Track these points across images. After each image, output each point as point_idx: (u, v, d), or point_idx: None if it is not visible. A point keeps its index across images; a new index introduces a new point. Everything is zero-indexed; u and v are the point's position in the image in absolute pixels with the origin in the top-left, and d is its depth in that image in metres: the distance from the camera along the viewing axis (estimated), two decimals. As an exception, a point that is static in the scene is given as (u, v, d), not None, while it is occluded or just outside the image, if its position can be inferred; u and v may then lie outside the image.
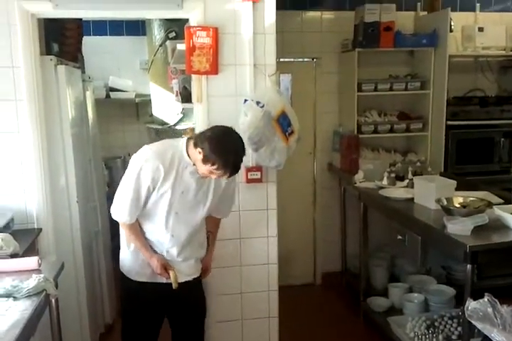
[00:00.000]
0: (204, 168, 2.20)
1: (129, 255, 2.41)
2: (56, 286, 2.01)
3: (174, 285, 2.32)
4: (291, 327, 3.45)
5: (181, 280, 2.36)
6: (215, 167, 2.15)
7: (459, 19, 4.26)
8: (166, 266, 2.34)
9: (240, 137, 2.27)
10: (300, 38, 4.26)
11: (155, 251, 2.36)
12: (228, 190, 2.49)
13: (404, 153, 4.41)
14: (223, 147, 2.16)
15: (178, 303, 2.46)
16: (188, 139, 2.29)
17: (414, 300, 3.56)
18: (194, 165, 2.25)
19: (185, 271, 2.42)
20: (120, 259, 2.47)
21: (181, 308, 2.50)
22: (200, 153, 2.18)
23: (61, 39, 3.38)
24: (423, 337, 3.17)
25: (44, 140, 2.72)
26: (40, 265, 2.10)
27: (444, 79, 4.05)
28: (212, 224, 2.59)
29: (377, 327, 3.56)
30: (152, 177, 2.23)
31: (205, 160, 2.16)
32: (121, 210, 2.31)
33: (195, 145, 2.20)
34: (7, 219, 2.50)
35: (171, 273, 2.33)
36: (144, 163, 2.24)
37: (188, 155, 2.26)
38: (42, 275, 1.94)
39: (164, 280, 2.37)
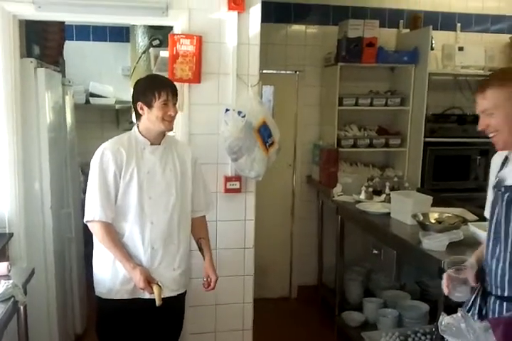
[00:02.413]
0: (157, 111, 2.24)
1: (107, 272, 2.29)
2: (25, 293, 1.96)
3: (158, 302, 2.16)
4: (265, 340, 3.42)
5: (165, 295, 2.23)
6: (159, 96, 2.23)
7: (440, 38, 4.36)
8: (149, 280, 2.20)
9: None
10: (284, 51, 4.30)
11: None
12: (197, 172, 2.47)
13: (382, 168, 4.45)
14: (146, 82, 2.34)
15: (159, 320, 2.34)
16: (137, 124, 2.35)
17: (388, 316, 3.55)
18: (151, 144, 2.31)
19: (169, 285, 2.31)
20: (96, 282, 2.34)
21: (161, 325, 2.37)
22: (141, 108, 2.27)
23: (42, 42, 3.34)
24: (396, 352, 3.16)
25: (20, 143, 2.67)
26: (9, 271, 2.06)
27: (424, 96, 4.12)
28: (199, 228, 2.51)
29: (351, 342, 3.54)
30: (115, 162, 2.23)
31: (148, 103, 2.25)
32: (93, 207, 2.23)
33: (135, 107, 2.29)
34: (-23, 222, 2.44)
35: (155, 288, 2.17)
36: (103, 152, 2.25)
37: (142, 135, 2.31)
38: (11, 282, 1.89)
39: (147, 296, 2.25)
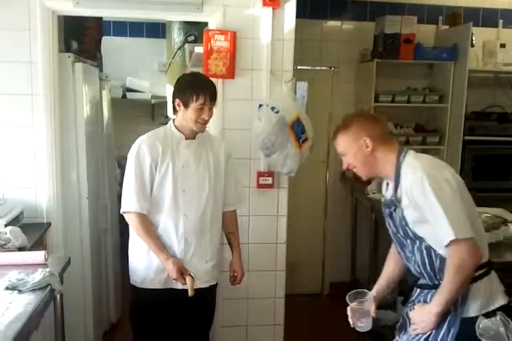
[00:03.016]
0: (192, 113, 2.26)
1: (142, 262, 2.34)
2: (61, 282, 2.00)
3: (190, 293, 2.19)
4: (296, 336, 3.40)
5: (197, 286, 2.25)
6: (196, 99, 2.23)
7: (480, 34, 4.24)
8: (182, 271, 2.23)
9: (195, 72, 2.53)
10: (319, 47, 4.27)
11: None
12: (230, 166, 2.48)
13: (418, 166, 4.36)
14: (188, 81, 2.34)
15: (191, 310, 2.37)
16: (173, 119, 2.38)
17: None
18: (186, 138, 2.33)
19: (202, 277, 2.34)
20: (131, 271, 2.40)
21: (192, 315, 2.40)
22: (178, 105, 2.28)
23: (80, 37, 3.41)
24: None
25: (58, 135, 2.73)
26: (46, 259, 2.09)
27: (463, 94, 4.03)
28: (229, 222, 2.52)
29: (382, 341, 3.49)
30: (151, 156, 2.27)
31: (185, 103, 2.26)
32: (129, 198, 2.28)
33: (173, 102, 2.32)
34: (17, 212, 2.51)
35: (188, 279, 2.20)
36: (140, 145, 2.30)
37: (178, 129, 2.34)
38: (48, 270, 1.92)
39: (179, 286, 2.27)
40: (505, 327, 1.89)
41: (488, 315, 1.86)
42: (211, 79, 2.45)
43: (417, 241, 1.89)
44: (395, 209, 1.92)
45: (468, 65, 4.02)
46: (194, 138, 2.36)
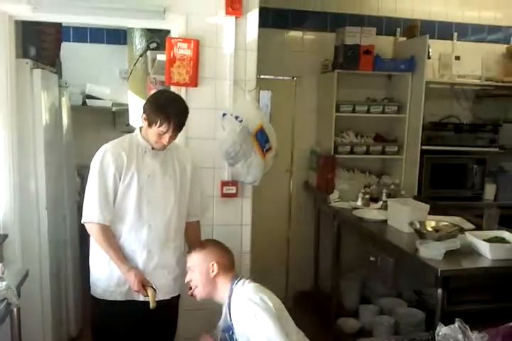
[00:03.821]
0: (153, 134, 2.22)
1: (103, 273, 2.30)
2: (19, 295, 1.94)
3: (152, 305, 2.18)
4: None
5: (159, 298, 2.24)
6: (159, 125, 2.18)
7: (436, 46, 4.36)
8: (144, 283, 2.21)
9: (177, 94, 2.47)
10: (281, 57, 4.29)
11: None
12: (196, 177, 2.47)
13: (378, 175, 4.44)
14: (160, 103, 2.24)
15: (152, 322, 2.33)
16: (141, 127, 2.33)
17: (384, 323, 3.53)
18: (152, 148, 2.28)
19: (163, 289, 2.32)
20: (92, 282, 2.36)
21: (155, 327, 2.37)
22: (145, 119, 2.24)
23: (39, 43, 3.33)
24: (391, 360, 3.14)
25: (15, 144, 2.65)
26: (3, 272, 2.02)
27: (420, 104, 4.12)
28: (192, 233, 2.52)
29: (346, 350, 3.52)
30: (115, 165, 2.22)
31: (150, 123, 2.21)
32: (91, 208, 2.23)
33: (142, 115, 2.26)
34: (-29, 223, 2.41)
35: (149, 291, 2.19)
36: (104, 155, 2.24)
37: (144, 139, 2.30)
38: (4, 283, 1.86)
39: (141, 298, 2.25)
40: (464, 334, 1.93)
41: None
42: (173, 87, 2.42)
43: None
44: (232, 333, 2.08)
45: (425, 76, 4.12)
46: (160, 149, 2.33)
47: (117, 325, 2.30)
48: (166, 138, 2.23)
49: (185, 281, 2.25)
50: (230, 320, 2.08)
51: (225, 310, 2.15)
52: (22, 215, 2.72)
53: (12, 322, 2.04)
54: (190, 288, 2.26)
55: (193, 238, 2.52)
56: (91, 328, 2.41)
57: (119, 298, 2.30)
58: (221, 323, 2.19)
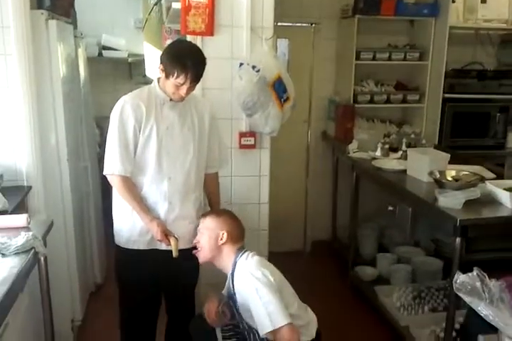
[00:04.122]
0: (170, 85, 2.21)
1: (126, 223, 2.35)
2: (45, 244, 1.99)
3: (175, 254, 2.24)
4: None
5: (181, 247, 2.29)
6: (176, 76, 2.16)
7: (461, -11, 4.17)
8: (166, 232, 2.26)
9: (194, 44, 2.42)
10: (299, 2, 4.15)
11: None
12: (214, 128, 2.46)
13: (399, 125, 4.38)
14: (177, 54, 2.20)
15: (175, 271, 2.39)
16: (158, 78, 2.30)
17: (401, 271, 3.59)
18: (170, 100, 2.27)
19: (185, 238, 2.35)
20: (115, 232, 2.40)
21: (177, 276, 2.43)
22: (162, 70, 2.21)
23: (53, -7, 3.26)
24: (409, 307, 3.21)
25: (34, 96, 2.64)
26: (29, 223, 2.07)
27: (443, 51, 4.01)
28: (211, 184, 2.54)
29: (363, 296, 3.60)
30: (135, 116, 2.22)
31: (167, 74, 2.19)
32: (112, 160, 2.25)
33: (159, 66, 2.23)
34: (-4, 175, 2.46)
35: (172, 240, 2.25)
36: (123, 106, 2.23)
37: (162, 90, 2.27)
38: (30, 233, 1.91)
39: (163, 247, 2.31)
40: (482, 281, 1.96)
41: None
42: (189, 36, 2.37)
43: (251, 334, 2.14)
44: (234, 302, 2.17)
45: (449, 21, 3.97)
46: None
47: (141, 273, 2.37)
48: (183, 89, 2.20)
49: (193, 241, 2.32)
50: (233, 290, 2.16)
51: (228, 280, 2.23)
52: (44, 167, 2.75)
53: (40, 270, 2.10)
54: (196, 248, 2.31)
55: (211, 190, 2.55)
56: (115, 276, 2.48)
57: (142, 247, 2.35)
58: (225, 290, 2.28)
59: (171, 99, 2.28)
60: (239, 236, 2.30)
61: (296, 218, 4.49)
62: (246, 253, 2.22)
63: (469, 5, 4.22)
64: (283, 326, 1.97)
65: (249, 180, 3.01)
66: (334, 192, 4.47)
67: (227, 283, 2.25)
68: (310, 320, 2.22)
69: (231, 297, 2.19)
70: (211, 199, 2.57)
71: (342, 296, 3.74)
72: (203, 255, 2.28)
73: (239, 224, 2.34)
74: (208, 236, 2.26)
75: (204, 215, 2.35)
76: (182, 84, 2.18)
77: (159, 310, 2.55)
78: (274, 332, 1.98)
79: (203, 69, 2.23)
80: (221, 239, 2.24)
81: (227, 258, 2.25)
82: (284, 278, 2.21)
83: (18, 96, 2.59)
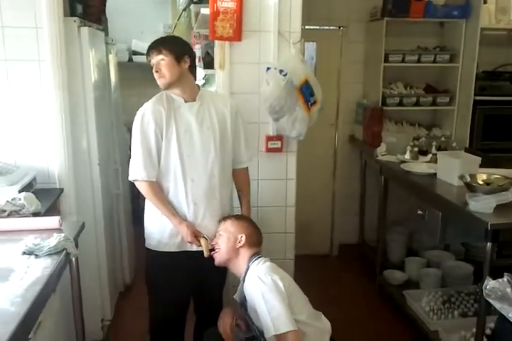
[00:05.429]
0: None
1: (156, 226, 2.38)
2: (77, 246, 2.04)
3: (206, 254, 2.28)
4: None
5: (211, 247, 2.32)
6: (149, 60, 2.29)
7: (494, -10, 4.10)
8: (196, 233, 2.30)
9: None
10: (327, 5, 4.15)
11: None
12: (237, 122, 2.47)
13: (428, 128, 4.34)
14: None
15: (204, 270, 2.41)
16: None
17: (431, 275, 3.54)
18: (186, 101, 2.33)
19: (213, 237, 2.37)
20: (146, 234, 2.44)
21: (208, 275, 2.45)
22: None
23: (85, 0, 3.33)
24: (439, 311, 3.16)
25: (66, 101, 2.71)
26: (61, 224, 2.13)
27: (475, 53, 3.95)
28: (240, 180, 2.57)
29: (392, 300, 3.57)
30: (155, 121, 2.26)
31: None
32: (135, 166, 2.29)
33: None
34: (30, 178, 2.53)
35: (202, 241, 2.29)
36: (144, 112, 2.29)
37: (174, 93, 2.34)
38: (62, 235, 1.95)
39: (194, 248, 2.34)
40: (512, 287, 1.92)
41: None
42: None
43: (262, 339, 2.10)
44: (245, 307, 2.18)
45: (480, 22, 3.91)
46: (194, 100, 2.35)
47: (171, 274, 2.40)
48: (154, 67, 2.27)
49: (212, 243, 2.33)
50: (244, 294, 2.18)
51: (240, 284, 2.25)
52: (76, 170, 2.83)
53: (71, 270, 2.16)
54: (213, 250, 2.33)
55: (240, 187, 2.58)
56: (145, 278, 2.51)
57: (172, 249, 2.38)
58: (237, 295, 2.30)
59: (185, 101, 2.32)
60: (256, 242, 2.33)
61: (324, 221, 4.48)
62: (259, 259, 2.24)
63: (501, 6, 4.14)
64: (287, 332, 1.97)
65: (276, 183, 3.02)
66: (362, 195, 4.45)
67: (239, 287, 2.27)
68: (322, 327, 2.20)
69: (242, 302, 2.21)
70: (240, 196, 2.59)
71: (370, 300, 3.71)
72: (219, 256, 2.30)
73: (257, 231, 2.37)
74: (227, 238, 2.29)
75: (224, 219, 2.38)
76: (150, 60, 2.28)
77: (188, 310, 2.57)
78: (278, 337, 1.98)
79: (167, 42, 2.30)
80: (239, 242, 2.27)
81: (242, 262, 2.27)
82: (296, 285, 2.22)
83: (51, 101, 2.67)
